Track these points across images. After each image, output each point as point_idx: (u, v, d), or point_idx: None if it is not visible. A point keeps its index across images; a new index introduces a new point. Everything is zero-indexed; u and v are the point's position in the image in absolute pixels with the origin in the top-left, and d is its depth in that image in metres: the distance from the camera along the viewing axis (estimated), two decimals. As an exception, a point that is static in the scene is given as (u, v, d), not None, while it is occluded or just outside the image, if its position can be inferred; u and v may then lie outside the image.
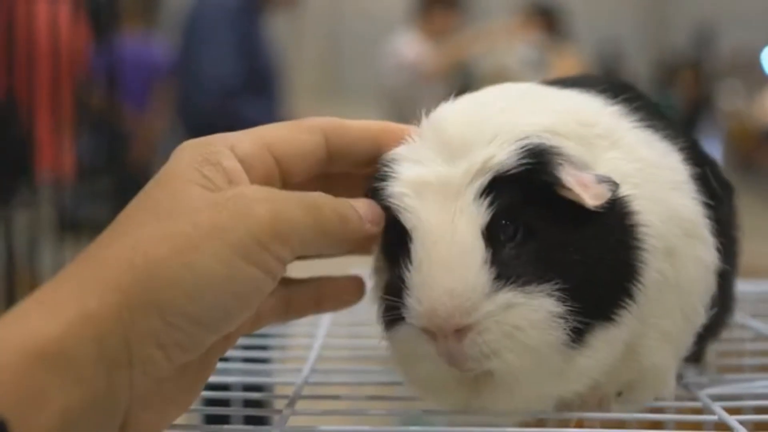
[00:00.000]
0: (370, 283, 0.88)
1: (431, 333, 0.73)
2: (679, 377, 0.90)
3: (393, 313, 0.77)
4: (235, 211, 0.66)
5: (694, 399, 0.89)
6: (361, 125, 0.82)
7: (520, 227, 0.74)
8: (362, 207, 0.76)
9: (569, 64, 5.82)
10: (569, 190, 0.74)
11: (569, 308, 0.73)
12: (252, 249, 0.66)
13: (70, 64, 2.94)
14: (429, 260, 0.73)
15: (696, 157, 0.89)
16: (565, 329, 0.73)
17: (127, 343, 0.62)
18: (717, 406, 0.84)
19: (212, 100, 3.60)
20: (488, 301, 0.72)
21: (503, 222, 0.74)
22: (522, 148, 0.74)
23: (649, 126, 0.87)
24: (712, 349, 1.06)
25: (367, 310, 0.87)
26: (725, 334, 1.13)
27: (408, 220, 0.75)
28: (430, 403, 0.83)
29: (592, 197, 0.74)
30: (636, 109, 0.88)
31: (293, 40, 10.59)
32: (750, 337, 1.14)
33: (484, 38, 5.64)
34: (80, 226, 3.14)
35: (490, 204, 0.74)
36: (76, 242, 2.92)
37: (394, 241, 0.78)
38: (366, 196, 0.79)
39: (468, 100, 0.85)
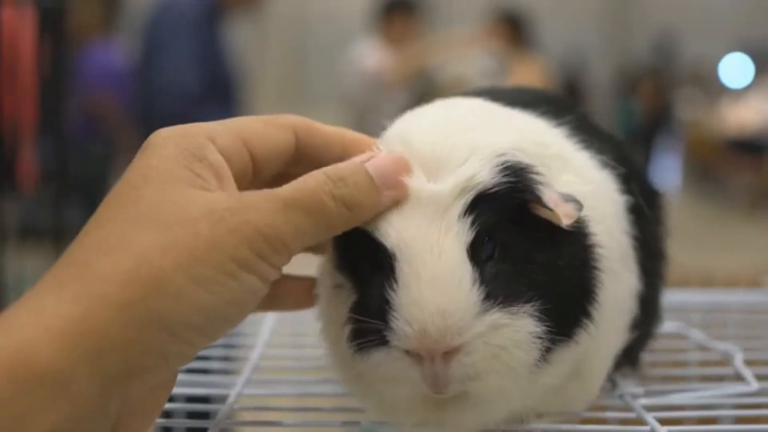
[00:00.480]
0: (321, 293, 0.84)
1: (416, 356, 0.71)
2: (614, 386, 0.92)
3: (368, 336, 0.74)
4: (234, 222, 0.65)
5: (629, 410, 0.89)
6: (333, 130, 0.81)
7: (497, 246, 0.74)
8: (379, 171, 0.74)
9: (531, 73, 5.84)
10: (547, 209, 0.74)
11: (545, 327, 0.73)
12: (251, 260, 0.65)
13: (30, 70, 2.91)
14: (418, 279, 0.71)
15: (628, 181, 0.90)
16: (540, 349, 0.73)
17: (127, 357, 0.61)
18: (650, 417, 0.85)
19: (173, 106, 3.59)
20: (478, 321, 0.71)
21: (484, 240, 0.73)
22: (501, 165, 0.74)
23: (589, 148, 0.88)
24: (651, 360, 1.08)
25: (308, 319, 0.87)
26: (666, 344, 1.15)
27: (389, 236, 0.73)
28: (389, 421, 0.81)
29: (564, 215, 0.74)
30: (576, 129, 0.89)
31: (258, 46, 10.56)
32: (690, 347, 1.15)
33: (444, 47, 5.65)
34: (41, 232, 3.11)
35: (473, 222, 0.73)
36: (37, 249, 2.89)
37: (359, 256, 0.76)
38: None
39: (429, 114, 0.84)
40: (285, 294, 0.85)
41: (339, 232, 0.73)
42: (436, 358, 0.71)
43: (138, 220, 0.65)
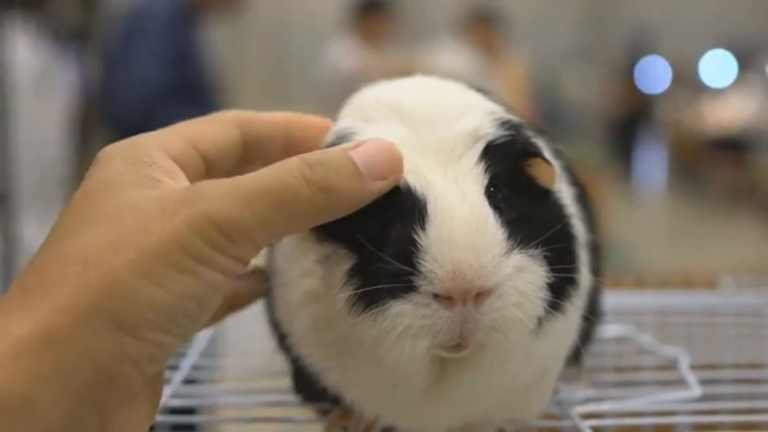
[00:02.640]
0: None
1: (447, 300, 0.68)
2: (554, 392, 0.90)
3: (382, 289, 0.69)
4: (188, 214, 0.62)
5: (566, 417, 0.88)
6: (269, 116, 0.79)
7: (501, 196, 0.73)
8: (366, 158, 0.69)
9: (513, 74, 5.83)
10: (546, 166, 0.74)
11: (550, 282, 0.72)
12: (207, 253, 0.62)
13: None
14: (446, 220, 0.69)
15: (573, 176, 0.90)
16: (545, 305, 0.71)
17: (94, 366, 0.58)
18: (586, 425, 0.84)
19: (135, 104, 3.58)
20: (506, 262, 0.69)
21: (492, 189, 0.72)
22: (499, 119, 0.75)
23: (542, 136, 0.87)
24: (596, 364, 1.07)
25: (246, 329, 0.85)
26: (613, 348, 1.14)
27: (407, 181, 0.71)
28: (382, 397, 0.77)
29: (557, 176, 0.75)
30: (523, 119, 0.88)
31: (237, 48, 10.54)
32: (637, 351, 1.14)
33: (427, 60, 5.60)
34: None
35: (486, 170, 0.72)
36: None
37: (354, 220, 0.70)
38: None
39: (409, 81, 0.83)
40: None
41: (318, 222, 0.68)
42: (468, 301, 0.68)
43: (89, 227, 0.62)
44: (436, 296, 0.68)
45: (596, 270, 0.89)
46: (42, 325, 0.57)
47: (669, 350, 1.09)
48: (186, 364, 1.02)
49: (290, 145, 0.79)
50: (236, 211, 0.62)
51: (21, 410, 0.55)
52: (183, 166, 0.70)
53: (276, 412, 0.94)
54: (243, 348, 1.15)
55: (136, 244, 0.60)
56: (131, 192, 0.64)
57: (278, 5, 12.71)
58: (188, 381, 0.99)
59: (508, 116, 0.76)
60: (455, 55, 5.42)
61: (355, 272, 0.71)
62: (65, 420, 0.57)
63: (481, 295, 0.68)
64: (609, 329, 1.16)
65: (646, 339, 1.15)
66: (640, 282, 1.67)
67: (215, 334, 1.14)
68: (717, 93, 13.69)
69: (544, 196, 0.75)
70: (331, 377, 0.79)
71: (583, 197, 0.90)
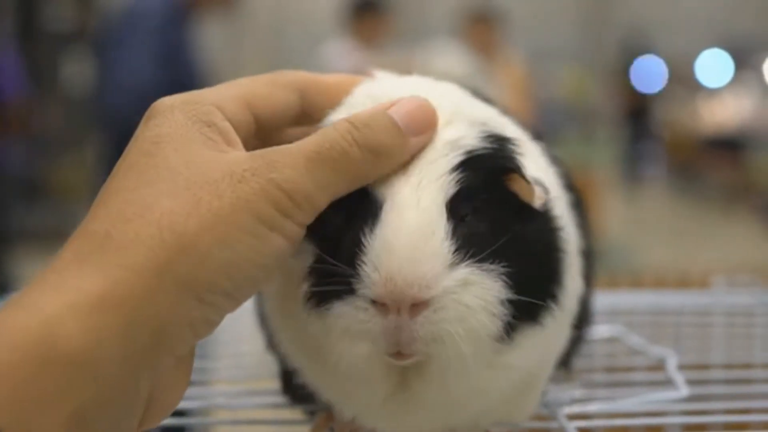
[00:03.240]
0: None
1: (382, 306, 0.68)
2: (542, 394, 0.90)
3: (333, 287, 0.70)
4: (257, 181, 0.64)
5: (553, 418, 0.88)
6: (335, 80, 0.80)
7: (471, 208, 0.72)
8: (404, 115, 0.71)
9: (511, 75, 5.80)
10: (524, 183, 0.73)
11: (511, 298, 0.70)
12: (276, 219, 0.64)
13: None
14: (392, 226, 0.69)
15: (568, 182, 0.90)
16: (503, 319, 0.70)
17: (157, 328, 0.59)
18: (573, 426, 0.84)
19: (126, 105, 3.56)
20: (448, 275, 0.68)
21: (462, 199, 0.71)
22: (485, 132, 0.74)
23: (537, 142, 0.88)
24: (585, 365, 1.07)
25: (237, 330, 0.85)
26: (602, 349, 1.14)
27: (372, 183, 0.71)
28: (349, 398, 0.78)
29: (536, 196, 0.74)
30: (524, 126, 0.89)
31: (234, 45, 10.54)
32: (626, 352, 1.14)
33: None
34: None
35: (456, 180, 0.71)
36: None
37: (326, 216, 0.71)
38: None
39: (404, 80, 0.84)
40: None
41: (368, 181, 0.70)
42: (402, 310, 0.68)
43: (156, 185, 0.63)
44: (373, 302, 0.68)
45: (589, 276, 0.89)
46: (117, 283, 0.58)
47: (658, 350, 1.09)
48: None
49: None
50: (301, 178, 0.65)
51: (85, 366, 0.56)
52: (237, 128, 0.71)
53: (268, 414, 0.94)
54: (234, 349, 1.15)
55: (209, 209, 0.62)
56: (196, 151, 0.65)
57: (275, 4, 12.72)
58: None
59: (495, 129, 0.76)
60: (452, 56, 5.41)
61: (311, 270, 0.73)
62: (123, 381, 0.58)
63: (416, 306, 0.68)
64: (599, 330, 1.16)
65: (636, 339, 1.15)
66: (636, 282, 1.68)
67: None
68: (713, 92, 13.68)
69: (528, 211, 0.74)
70: (306, 376, 0.80)
71: (578, 204, 0.89)
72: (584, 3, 14.88)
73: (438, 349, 0.69)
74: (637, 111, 12.95)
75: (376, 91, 0.79)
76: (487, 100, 0.89)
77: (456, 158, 0.72)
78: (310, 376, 0.80)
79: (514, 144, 0.75)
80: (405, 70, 0.89)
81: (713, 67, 14.23)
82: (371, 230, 0.69)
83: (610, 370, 1.10)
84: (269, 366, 0.96)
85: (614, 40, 14.50)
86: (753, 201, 10.54)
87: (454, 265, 0.69)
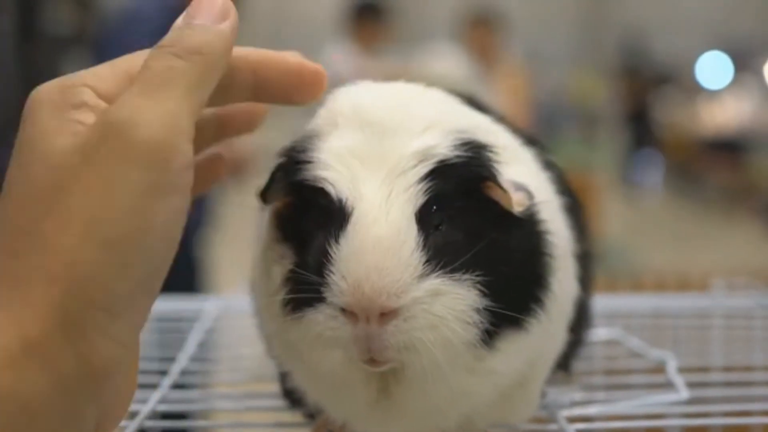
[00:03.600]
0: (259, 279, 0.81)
1: (351, 315, 0.69)
2: (542, 396, 0.91)
3: (304, 295, 0.71)
4: (116, 150, 0.58)
5: (552, 421, 0.88)
6: (244, 52, 0.73)
7: (446, 217, 0.72)
8: (196, 11, 0.67)
9: (512, 79, 5.76)
10: (500, 189, 0.73)
11: (487, 305, 0.71)
12: (158, 180, 0.59)
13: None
14: (361, 235, 0.69)
15: (563, 186, 0.90)
16: (480, 326, 0.71)
17: (82, 356, 0.56)
18: (572, 429, 0.84)
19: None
20: (417, 285, 0.69)
21: (433, 209, 0.72)
22: (461, 141, 0.74)
23: (530, 147, 0.88)
24: (585, 368, 1.07)
25: (237, 334, 0.85)
26: (602, 351, 1.14)
27: (339, 191, 0.71)
28: (332, 406, 0.78)
29: (515, 203, 0.74)
30: (516, 131, 0.89)
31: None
32: (626, 354, 1.14)
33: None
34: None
35: (426, 189, 0.71)
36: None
37: (305, 222, 0.74)
38: (278, 171, 0.76)
39: (386, 86, 0.83)
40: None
41: (216, 78, 0.66)
42: (371, 318, 0.68)
43: (29, 204, 0.59)
44: (343, 310, 0.69)
45: (586, 279, 0.89)
46: (23, 330, 0.56)
47: (657, 353, 1.09)
48: (175, 369, 1.01)
49: (260, 87, 0.74)
50: (155, 119, 0.60)
51: (20, 411, 0.55)
52: None
53: (268, 417, 0.94)
54: (234, 352, 1.15)
55: (80, 210, 0.57)
56: (55, 146, 0.60)
57: (275, 6, 12.72)
58: (178, 386, 0.99)
59: (473, 136, 0.75)
60: (450, 59, 5.40)
61: (288, 277, 0.73)
62: (62, 415, 0.56)
63: (385, 315, 0.68)
64: (598, 332, 1.16)
65: (635, 342, 1.15)
66: (636, 284, 1.68)
67: (205, 338, 1.14)
68: (713, 94, 13.68)
69: (508, 216, 0.74)
70: (296, 380, 0.81)
71: (574, 208, 0.89)
72: (583, 5, 14.88)
73: (411, 357, 0.70)
74: (637, 113, 12.94)
75: (361, 99, 0.78)
76: (480, 106, 0.89)
77: (426, 167, 0.72)
78: (299, 380, 0.80)
79: (490, 151, 0.75)
80: (402, 74, 0.89)
81: (713, 69, 14.23)
82: (340, 239, 0.69)
83: (610, 372, 1.10)
84: (269, 369, 0.95)
85: (615, 43, 14.49)
86: (753, 203, 10.53)
87: (424, 275, 0.69)
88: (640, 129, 12.90)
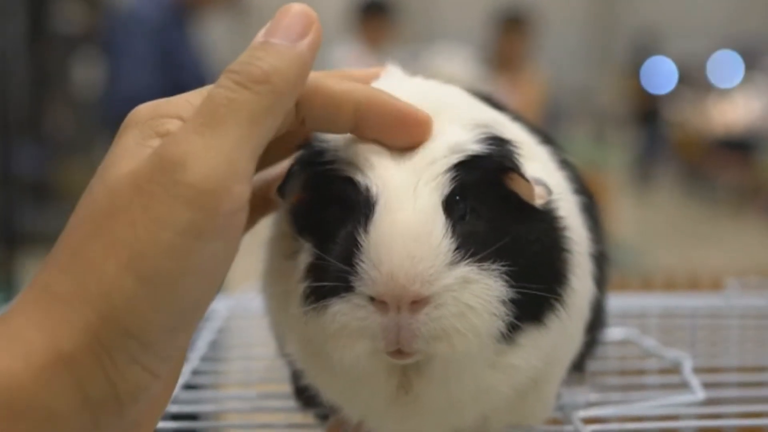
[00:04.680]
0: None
1: (382, 304, 0.67)
2: (557, 397, 0.90)
3: (331, 283, 0.69)
4: (161, 189, 0.57)
5: (568, 422, 0.88)
6: (353, 88, 0.70)
7: (469, 207, 0.72)
8: (273, 30, 0.64)
9: (532, 87, 5.67)
10: (523, 182, 0.72)
11: (512, 297, 0.70)
12: (199, 223, 0.57)
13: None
14: (391, 224, 0.68)
15: (580, 186, 0.89)
16: (505, 318, 0.70)
17: (109, 379, 0.57)
18: (587, 430, 0.84)
19: (126, 112, 3.55)
20: (448, 272, 0.68)
21: (457, 199, 0.71)
22: (485, 134, 0.73)
23: (548, 145, 0.88)
24: (600, 368, 1.06)
25: (248, 334, 0.84)
26: (617, 352, 1.13)
27: (366, 181, 0.71)
28: (352, 401, 0.77)
29: (536, 195, 0.73)
30: (534, 129, 0.89)
31: (238, 45, 10.54)
32: (641, 355, 1.13)
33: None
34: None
35: (452, 179, 0.71)
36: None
37: (325, 214, 0.73)
38: (295, 164, 0.74)
39: (404, 82, 0.82)
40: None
41: (288, 108, 0.64)
42: (402, 307, 0.67)
43: (84, 224, 0.59)
44: (372, 299, 0.68)
45: (602, 280, 0.89)
46: (58, 341, 0.56)
47: (672, 353, 1.08)
48: (186, 369, 1.01)
49: (361, 125, 0.72)
50: (207, 159, 0.58)
51: (46, 420, 0.55)
52: None
53: (280, 418, 0.94)
54: (246, 353, 1.15)
55: (124, 241, 0.57)
56: (121, 171, 0.60)
57: (280, 2, 12.73)
58: (189, 386, 0.99)
59: (495, 131, 0.75)
60: (457, 60, 5.38)
61: (311, 268, 0.72)
62: (87, 428, 0.57)
63: (416, 303, 0.67)
64: (612, 332, 1.15)
65: (650, 342, 1.14)
66: (647, 284, 1.67)
67: (217, 338, 1.13)
68: (723, 93, 13.64)
69: (528, 211, 0.74)
70: (311, 378, 0.80)
71: (591, 207, 0.89)
72: (595, 5, 14.86)
73: (439, 347, 0.69)
74: (648, 112, 12.91)
75: (397, 92, 0.76)
76: (497, 104, 0.89)
77: (454, 159, 0.72)
78: (314, 378, 0.79)
79: (513, 145, 0.75)
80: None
81: (724, 68, 14.19)
82: (368, 228, 0.68)
83: (624, 373, 1.10)
84: (281, 370, 0.95)
85: (626, 42, 14.46)
86: (763, 202, 10.50)
87: (454, 263, 0.68)
88: (651, 128, 12.88)
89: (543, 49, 6.61)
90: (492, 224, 0.72)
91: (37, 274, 0.60)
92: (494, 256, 0.70)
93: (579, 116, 12.78)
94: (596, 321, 0.90)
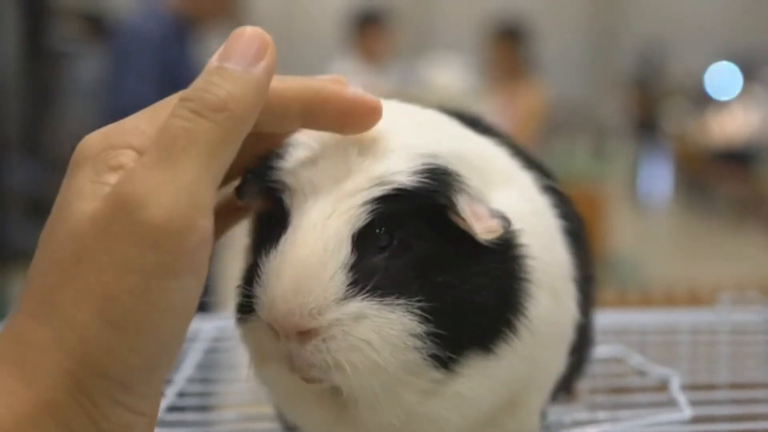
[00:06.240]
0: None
1: (274, 331, 0.69)
2: (543, 416, 0.89)
3: (243, 305, 0.72)
4: (120, 229, 0.56)
5: (554, 442, 0.87)
6: (296, 85, 0.69)
7: (395, 239, 0.71)
8: (225, 54, 0.62)
9: (533, 98, 5.65)
10: (462, 218, 0.71)
11: (433, 330, 0.69)
12: (170, 263, 0.56)
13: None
14: (285, 252, 0.69)
15: (565, 210, 0.88)
16: (424, 351, 0.69)
17: (95, 423, 0.57)
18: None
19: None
20: (337, 307, 0.68)
21: (379, 230, 0.71)
22: (426, 165, 0.72)
23: (530, 171, 0.87)
24: (587, 386, 1.06)
25: (237, 354, 0.84)
26: (605, 369, 1.13)
27: (288, 201, 0.71)
28: (299, 423, 0.77)
29: (484, 231, 0.72)
30: (518, 153, 0.88)
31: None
32: (629, 372, 1.13)
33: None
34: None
35: (372, 210, 0.70)
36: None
37: (264, 220, 0.74)
38: (248, 172, 0.74)
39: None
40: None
41: (245, 133, 0.62)
42: (290, 336, 0.68)
43: (51, 270, 0.59)
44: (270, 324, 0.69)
45: (586, 303, 0.88)
46: (40, 391, 0.56)
47: (660, 371, 1.08)
48: (172, 392, 1.01)
49: (310, 118, 0.71)
50: (165, 195, 0.57)
51: None
52: None
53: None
54: (240, 373, 1.14)
55: (94, 286, 0.57)
56: (80, 212, 0.59)
57: (282, 13, 12.75)
58: (174, 408, 0.98)
59: (440, 163, 0.72)
60: (451, 71, 5.39)
61: (238, 287, 0.74)
62: None
63: (303, 335, 0.68)
64: (600, 350, 1.14)
65: (638, 359, 1.13)
66: (646, 299, 1.66)
67: (204, 359, 1.13)
68: (722, 105, 13.66)
69: (478, 244, 0.72)
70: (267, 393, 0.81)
71: (576, 232, 0.88)
72: (594, 17, 14.89)
73: (336, 378, 0.69)
74: (647, 125, 12.93)
75: None
76: (484, 127, 0.88)
77: (378, 191, 0.70)
78: (268, 393, 0.81)
79: (455, 179, 0.72)
80: (403, 95, 0.87)
81: (722, 80, 14.21)
82: (270, 253, 0.69)
83: (613, 391, 1.09)
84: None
85: (624, 55, 14.49)
86: (763, 214, 10.49)
87: (347, 297, 0.68)
88: (650, 140, 12.89)
89: (541, 61, 6.59)
90: (422, 257, 0.71)
91: (8, 322, 0.60)
92: (408, 290, 0.69)
93: (578, 130, 12.78)
94: (582, 341, 0.90)
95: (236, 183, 0.76)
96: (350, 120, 0.71)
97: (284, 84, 0.68)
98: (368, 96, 0.71)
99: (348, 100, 0.70)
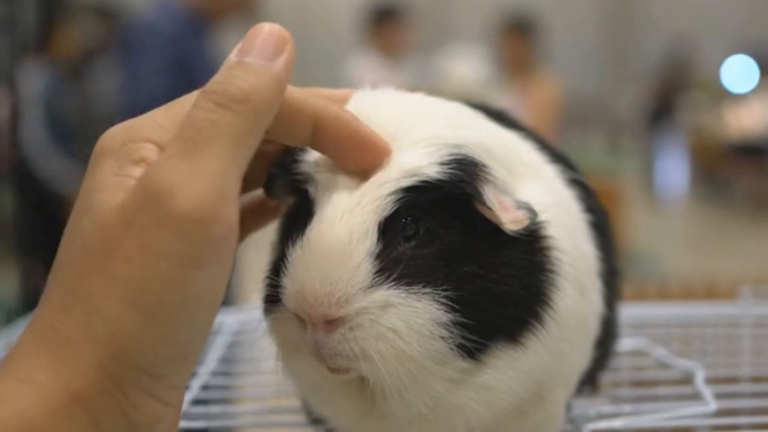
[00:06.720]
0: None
1: (302, 320, 0.69)
2: (567, 409, 0.89)
3: (269, 295, 0.72)
4: (150, 220, 0.57)
5: (578, 434, 0.87)
6: (313, 100, 0.69)
7: (422, 229, 0.71)
8: (245, 50, 0.63)
9: (547, 91, 5.64)
10: (488, 208, 0.71)
11: (459, 320, 0.69)
12: (198, 252, 0.57)
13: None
14: (313, 243, 0.69)
15: (590, 204, 0.89)
16: (451, 340, 0.69)
17: (125, 414, 0.58)
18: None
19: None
20: (364, 296, 0.68)
21: (405, 220, 0.71)
22: (452, 156, 0.72)
23: (556, 164, 0.87)
24: (611, 379, 1.05)
25: (260, 347, 0.84)
26: (629, 362, 1.12)
27: (314, 193, 0.72)
28: (326, 414, 0.78)
29: (510, 221, 0.72)
30: (542, 146, 0.88)
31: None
32: (653, 365, 1.13)
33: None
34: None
35: (397, 200, 0.70)
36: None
37: (292, 215, 0.75)
38: (275, 166, 0.75)
39: (391, 96, 0.81)
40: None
41: (266, 127, 0.62)
42: (317, 325, 0.68)
43: (79, 261, 0.59)
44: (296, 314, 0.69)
45: (611, 296, 0.88)
46: (69, 381, 0.57)
47: (685, 363, 1.07)
48: (196, 384, 1.01)
49: (317, 139, 0.70)
50: (193, 186, 0.57)
51: None
52: None
53: None
54: (258, 367, 1.14)
55: (123, 279, 0.57)
56: (106, 204, 0.60)
57: (299, 8, 12.74)
58: (199, 401, 0.99)
59: (469, 154, 0.73)
60: (468, 63, 5.36)
61: (266, 277, 0.75)
62: None
63: (330, 323, 0.68)
64: (624, 343, 1.14)
65: (662, 352, 1.13)
66: (664, 293, 1.66)
67: (227, 353, 1.13)
68: (739, 98, 13.58)
69: (504, 235, 0.72)
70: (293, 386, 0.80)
71: (601, 226, 0.88)
72: (609, 12, 14.83)
73: (363, 367, 0.69)
74: (663, 119, 12.87)
75: (366, 105, 0.76)
76: (510, 121, 0.88)
77: (405, 182, 0.70)
78: (295, 386, 0.80)
79: (482, 170, 0.73)
80: (425, 88, 0.87)
81: (738, 73, 14.13)
82: (296, 244, 0.69)
83: (637, 384, 1.09)
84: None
85: (642, 47, 14.43)
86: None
87: (373, 286, 0.68)
88: (666, 134, 12.83)
89: (556, 55, 6.56)
90: (450, 247, 0.72)
91: (36, 313, 0.60)
92: (434, 279, 0.70)
93: (594, 124, 12.75)
94: (607, 335, 0.90)
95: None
96: (357, 155, 0.71)
97: (302, 94, 0.68)
98: (380, 137, 0.72)
99: (361, 135, 0.70)
